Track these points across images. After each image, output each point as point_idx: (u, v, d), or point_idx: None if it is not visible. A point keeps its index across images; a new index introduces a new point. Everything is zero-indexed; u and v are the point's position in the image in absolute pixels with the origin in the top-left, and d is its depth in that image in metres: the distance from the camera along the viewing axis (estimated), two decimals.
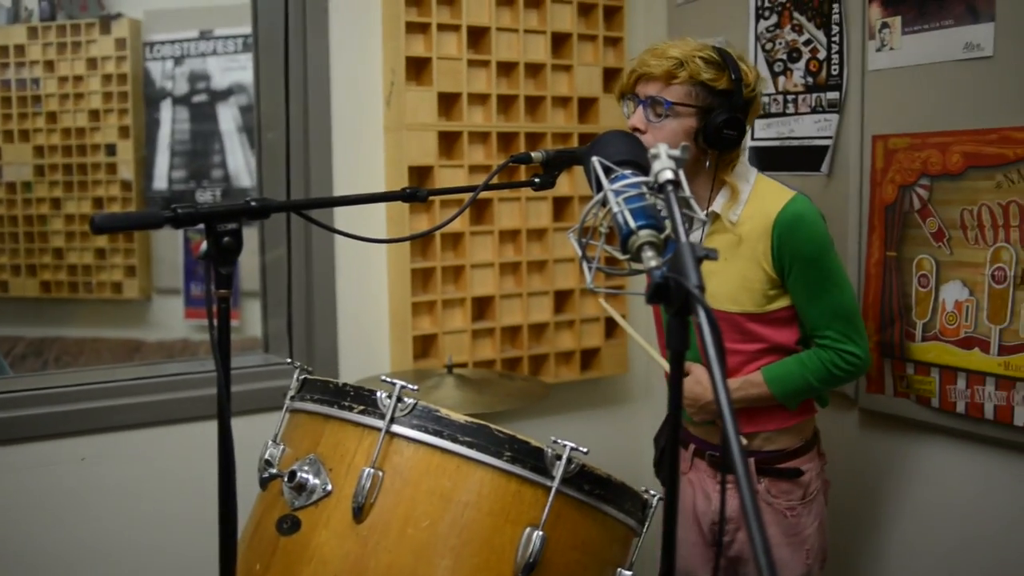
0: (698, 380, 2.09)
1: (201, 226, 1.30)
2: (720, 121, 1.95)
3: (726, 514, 2.09)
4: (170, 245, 4.45)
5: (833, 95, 2.56)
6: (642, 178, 1.27)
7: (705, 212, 2.04)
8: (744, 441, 2.10)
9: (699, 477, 2.20)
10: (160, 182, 4.44)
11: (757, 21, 2.76)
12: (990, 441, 2.34)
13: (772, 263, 2.02)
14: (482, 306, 2.87)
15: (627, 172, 1.32)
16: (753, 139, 2.78)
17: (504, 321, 2.84)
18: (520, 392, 2.56)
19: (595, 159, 1.35)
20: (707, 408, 2.09)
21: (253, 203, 1.35)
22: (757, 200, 2.04)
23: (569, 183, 2.94)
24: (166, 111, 4.41)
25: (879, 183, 2.47)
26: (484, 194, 2.67)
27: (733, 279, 2.05)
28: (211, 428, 1.38)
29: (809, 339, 2.10)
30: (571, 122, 2.93)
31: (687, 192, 1.15)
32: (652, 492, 1.75)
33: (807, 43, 2.63)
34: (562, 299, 2.96)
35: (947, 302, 2.35)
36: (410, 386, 1.58)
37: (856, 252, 2.54)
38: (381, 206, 2.76)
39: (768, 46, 2.72)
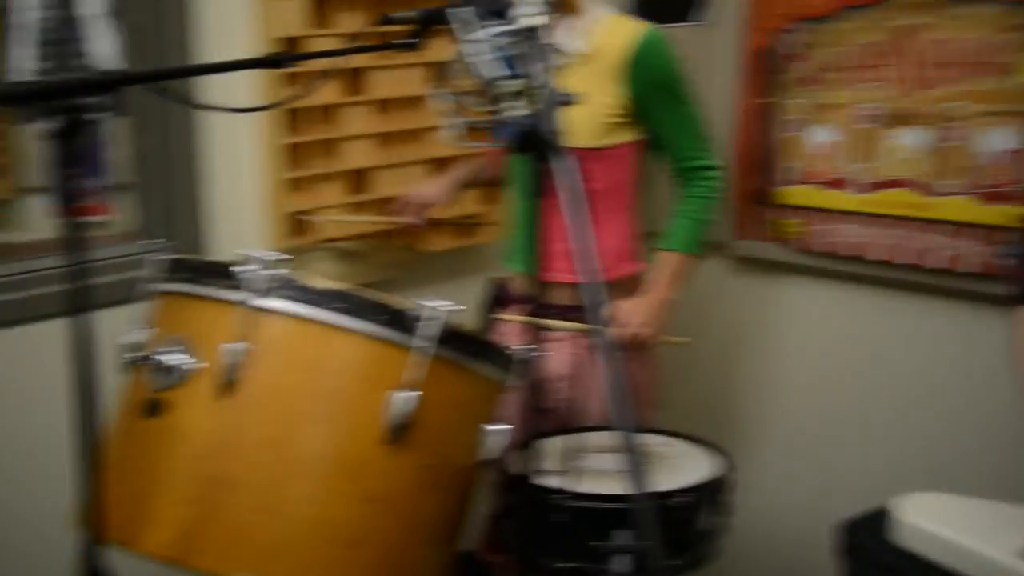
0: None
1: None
2: None
3: (555, 372, 2.18)
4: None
5: None
6: (506, 27, 1.24)
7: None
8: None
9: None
10: (19, 74, 4.17)
11: None
12: (845, 277, 2.44)
13: (629, 89, 2.05)
14: (358, 179, 2.81)
15: (489, 22, 1.28)
16: None
17: (380, 193, 2.79)
18: (397, 262, 2.54)
19: (450, 11, 1.31)
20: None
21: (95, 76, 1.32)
22: (613, 28, 2.06)
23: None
24: None
25: (752, 29, 2.47)
26: (358, 62, 2.58)
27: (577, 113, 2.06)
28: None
29: (681, 171, 2.18)
30: None
31: (555, 36, 1.14)
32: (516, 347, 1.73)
33: None
34: (440, 168, 2.91)
35: (815, 144, 2.40)
36: (272, 256, 1.55)
37: (727, 100, 2.56)
38: (249, 84, 2.64)
39: None
